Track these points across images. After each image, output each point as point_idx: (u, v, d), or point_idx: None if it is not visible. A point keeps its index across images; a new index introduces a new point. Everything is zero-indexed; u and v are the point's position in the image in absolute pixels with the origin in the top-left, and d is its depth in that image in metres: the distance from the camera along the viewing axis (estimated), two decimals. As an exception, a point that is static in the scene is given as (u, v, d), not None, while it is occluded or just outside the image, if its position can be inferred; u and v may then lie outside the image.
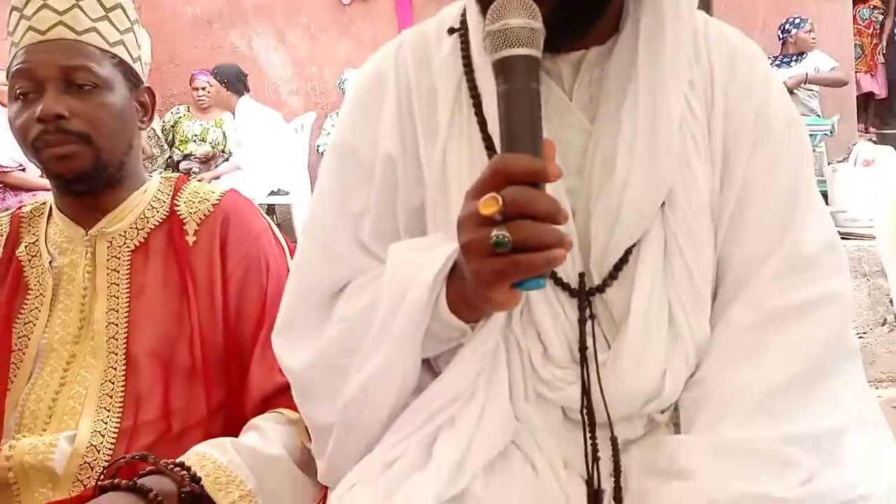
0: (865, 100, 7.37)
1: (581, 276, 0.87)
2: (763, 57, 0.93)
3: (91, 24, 1.20)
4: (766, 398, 0.82)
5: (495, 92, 0.72)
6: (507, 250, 0.67)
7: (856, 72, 7.02)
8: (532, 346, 0.88)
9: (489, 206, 0.67)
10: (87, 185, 1.21)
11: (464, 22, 0.90)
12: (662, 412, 0.89)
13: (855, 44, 6.85)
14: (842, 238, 3.08)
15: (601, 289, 0.87)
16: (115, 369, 1.17)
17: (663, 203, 0.85)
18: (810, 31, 5.77)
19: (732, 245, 0.88)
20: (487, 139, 0.87)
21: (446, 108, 0.89)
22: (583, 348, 0.86)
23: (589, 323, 0.86)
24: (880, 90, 7.29)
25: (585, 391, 0.86)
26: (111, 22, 1.22)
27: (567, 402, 0.88)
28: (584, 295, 0.87)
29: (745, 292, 0.86)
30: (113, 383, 1.16)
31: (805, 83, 5.54)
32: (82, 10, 1.19)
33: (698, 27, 0.90)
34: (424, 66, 0.92)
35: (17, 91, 1.17)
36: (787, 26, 5.83)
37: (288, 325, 0.97)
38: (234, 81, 5.51)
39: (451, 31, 0.91)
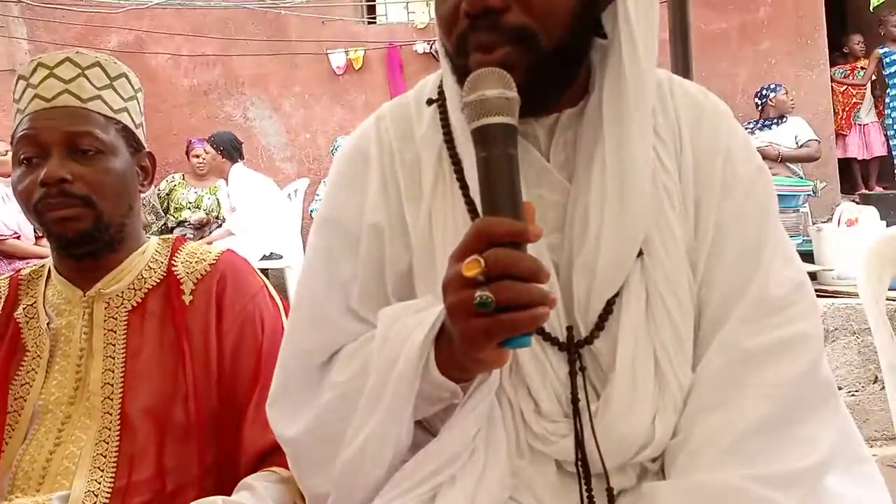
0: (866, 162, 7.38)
1: (569, 329, 0.89)
2: (726, 109, 0.98)
3: (96, 92, 1.23)
4: (739, 440, 0.83)
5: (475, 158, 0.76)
6: (490, 310, 0.69)
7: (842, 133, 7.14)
8: (523, 402, 0.89)
9: (471, 268, 0.69)
10: (88, 246, 1.23)
11: (441, 92, 0.95)
12: (654, 461, 0.91)
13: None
14: (829, 296, 3.09)
15: (589, 340, 0.89)
16: (110, 429, 1.18)
17: (641, 253, 0.88)
18: (787, 94, 5.93)
19: (707, 290, 0.91)
20: (470, 203, 0.90)
21: (429, 174, 0.92)
22: (575, 400, 0.87)
23: (579, 375, 0.88)
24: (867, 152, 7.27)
25: (579, 443, 0.87)
26: (115, 90, 1.26)
27: (561, 455, 0.89)
28: (573, 348, 0.89)
29: (718, 336, 0.89)
30: (107, 443, 1.17)
31: (778, 160, 5.61)
32: (88, 79, 1.23)
33: (662, 83, 0.95)
34: (407, 138, 0.96)
35: (22, 156, 1.20)
36: (764, 91, 5.99)
37: (281, 395, 0.98)
38: (229, 149, 5.62)
39: (430, 102, 0.95)
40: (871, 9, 5.29)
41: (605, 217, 0.87)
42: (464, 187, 0.91)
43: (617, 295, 0.88)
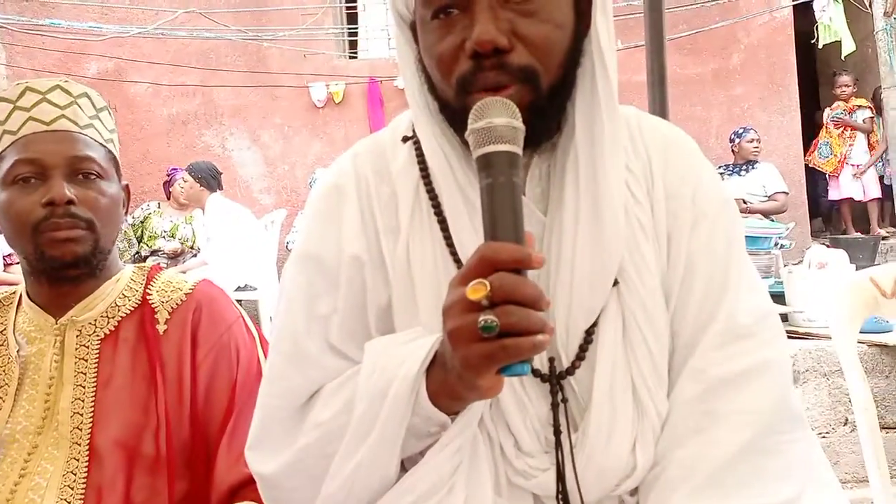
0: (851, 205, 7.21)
1: (551, 360, 0.90)
2: (693, 144, 1.01)
3: (89, 120, 1.26)
4: (715, 473, 0.84)
5: (455, 190, 0.79)
6: (494, 335, 0.69)
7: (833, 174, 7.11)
8: (503, 437, 0.89)
9: (477, 291, 0.70)
10: (80, 270, 1.23)
11: (415, 130, 0.96)
12: (632, 493, 0.91)
13: (823, 143, 7.00)
14: (800, 338, 3.12)
15: (570, 371, 0.90)
16: (78, 460, 1.15)
17: (617, 282, 0.90)
18: (752, 141, 5.94)
19: (679, 320, 0.92)
20: (448, 238, 0.91)
21: (406, 209, 0.93)
22: (557, 432, 0.88)
23: (561, 407, 0.88)
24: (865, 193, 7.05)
25: (560, 476, 0.87)
26: (101, 121, 1.29)
27: (542, 490, 0.89)
28: (555, 379, 0.89)
29: (689, 364, 0.91)
30: (75, 474, 1.15)
31: (745, 213, 5.66)
32: (80, 107, 1.25)
33: (630, 120, 0.98)
34: (383, 175, 0.97)
35: (19, 176, 1.20)
36: (732, 136, 6.05)
37: (261, 438, 0.96)
38: (208, 178, 5.59)
39: (405, 139, 0.97)
40: (842, 57, 5.44)
41: (579, 247, 0.88)
42: (441, 222, 0.92)
43: (595, 324, 0.90)
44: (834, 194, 7.12)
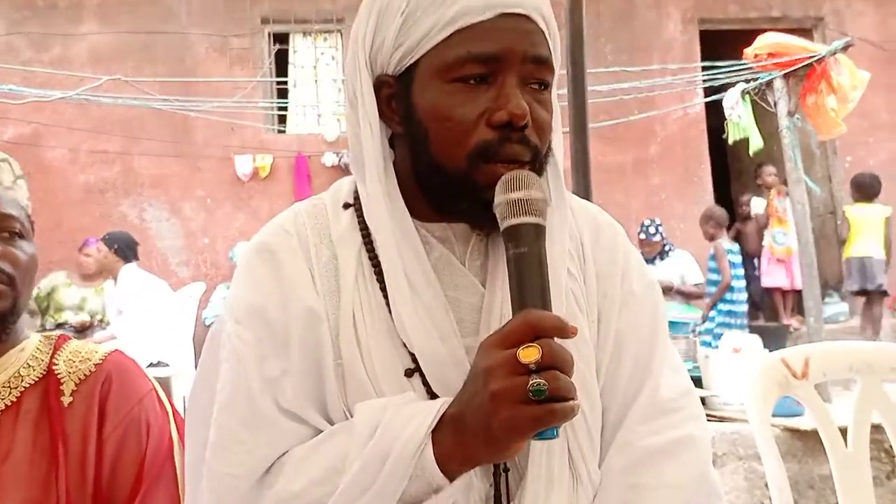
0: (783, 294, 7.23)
1: None
2: (620, 227, 1.05)
3: (12, 182, 1.26)
4: None
5: (396, 262, 0.81)
6: (543, 399, 0.71)
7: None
8: None
9: (531, 353, 0.72)
10: None
11: (357, 198, 0.96)
12: None
13: (777, 232, 7.05)
14: (717, 421, 3.16)
15: None
16: (-30, 540, 1.06)
17: None
18: (655, 234, 6.05)
19: (609, 395, 0.95)
20: (389, 304, 0.90)
21: (349, 274, 0.92)
22: (497, 501, 0.86)
23: (502, 476, 0.87)
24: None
25: None
26: (20, 187, 1.29)
27: None
28: None
29: (617, 437, 0.93)
30: (-34, 555, 1.05)
31: (672, 292, 5.81)
32: (1, 170, 1.26)
33: None
34: (323, 237, 0.95)
35: None
36: (640, 234, 6.10)
37: None
38: (124, 247, 5.43)
39: (347, 206, 0.96)
40: (749, 154, 5.76)
41: None
42: (383, 289, 0.90)
43: None
44: (766, 281, 7.20)
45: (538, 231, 0.79)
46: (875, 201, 6.52)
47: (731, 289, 6.00)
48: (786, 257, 6.98)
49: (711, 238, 6.10)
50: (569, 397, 0.73)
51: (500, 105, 0.84)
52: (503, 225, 0.80)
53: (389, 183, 0.90)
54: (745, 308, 6.09)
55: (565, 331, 0.75)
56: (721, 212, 6.14)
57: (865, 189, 6.52)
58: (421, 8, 0.85)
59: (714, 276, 6.10)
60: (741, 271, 6.13)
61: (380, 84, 0.90)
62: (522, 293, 0.77)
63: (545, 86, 0.89)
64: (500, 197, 0.80)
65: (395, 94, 0.90)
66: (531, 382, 0.71)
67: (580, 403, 0.74)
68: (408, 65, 0.88)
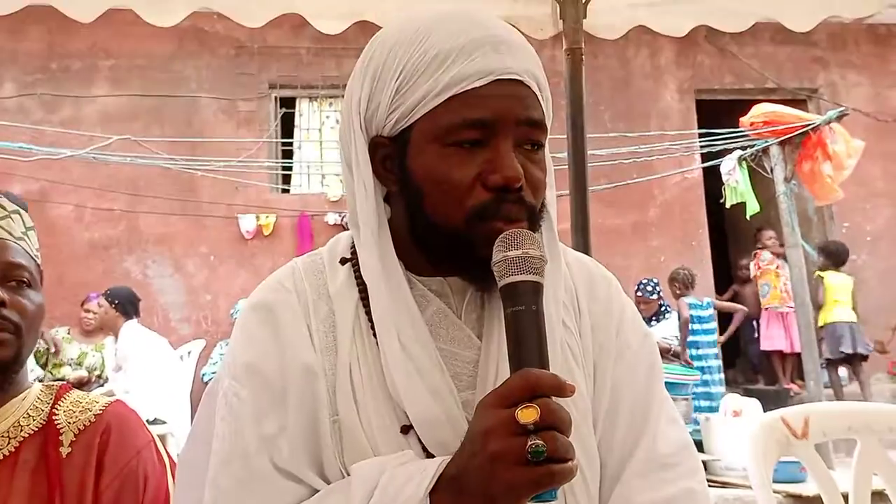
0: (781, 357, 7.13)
1: None
2: (615, 279, 1.05)
3: (22, 233, 1.29)
4: None
5: (389, 321, 0.82)
6: (541, 460, 0.71)
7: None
8: None
9: (529, 415, 0.71)
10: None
11: (354, 252, 0.96)
12: None
13: (763, 284, 7.11)
14: (719, 487, 3.13)
15: None
16: None
17: None
18: (652, 293, 6.07)
19: (606, 449, 0.94)
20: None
21: (346, 330, 0.92)
22: None
23: None
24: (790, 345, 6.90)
25: None
26: (30, 238, 1.32)
27: None
28: None
29: (615, 492, 0.92)
30: None
31: (669, 354, 5.80)
32: (13, 220, 1.29)
33: None
34: (321, 293, 0.96)
35: None
36: (637, 292, 6.13)
37: None
38: (125, 303, 5.41)
39: (344, 261, 0.97)
40: (747, 218, 5.82)
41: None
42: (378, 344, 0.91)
43: None
44: (765, 344, 7.17)
45: (536, 289, 0.79)
46: (841, 270, 6.58)
47: (694, 344, 5.97)
48: (779, 304, 6.98)
49: (678, 297, 6.13)
50: (567, 458, 0.72)
51: (496, 168, 0.85)
52: (501, 282, 0.80)
53: (384, 241, 0.91)
54: (717, 363, 6.04)
55: (563, 390, 0.74)
56: (685, 273, 6.18)
57: (836, 256, 6.59)
58: (416, 74, 0.87)
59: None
60: (710, 325, 6.11)
61: (375, 146, 0.92)
62: (520, 351, 0.77)
63: (538, 146, 0.90)
64: (498, 255, 0.81)
65: (390, 155, 0.91)
66: (530, 444, 0.71)
67: (578, 463, 0.73)
68: (403, 127, 0.89)
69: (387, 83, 0.89)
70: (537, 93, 0.90)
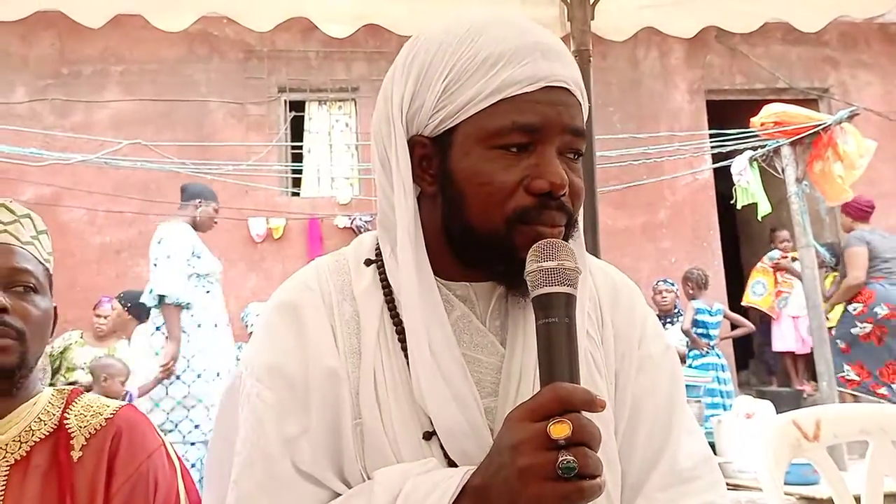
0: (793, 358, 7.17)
1: None
2: (637, 290, 1.05)
3: (30, 238, 1.29)
4: None
5: (419, 323, 0.81)
6: (571, 476, 0.70)
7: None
8: None
9: (562, 430, 0.71)
10: (1, 384, 1.20)
11: (378, 253, 0.96)
12: None
13: (757, 282, 7.08)
14: (731, 489, 3.09)
15: None
16: None
17: None
18: (661, 293, 6.05)
19: (627, 460, 0.94)
20: (409, 366, 0.89)
21: (371, 333, 0.91)
22: None
23: None
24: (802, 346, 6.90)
25: None
26: (41, 242, 1.32)
27: None
28: None
29: None
30: None
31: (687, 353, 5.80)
32: (22, 225, 1.29)
33: None
34: (346, 294, 0.95)
35: None
36: (654, 291, 6.11)
37: None
38: (138, 307, 5.43)
39: (368, 262, 0.96)
40: (758, 218, 5.78)
41: (536, 380, 0.87)
42: (405, 349, 0.90)
43: None
44: (778, 345, 7.16)
45: (569, 301, 0.78)
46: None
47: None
48: (766, 309, 6.99)
49: (691, 298, 6.09)
50: (597, 474, 0.71)
51: (541, 174, 0.85)
52: (534, 293, 0.79)
53: (418, 245, 0.90)
54: (722, 361, 5.98)
55: (594, 405, 0.73)
56: (699, 273, 6.13)
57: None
58: (465, 75, 0.86)
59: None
60: (714, 331, 6.05)
61: (412, 145, 0.90)
62: (551, 364, 0.76)
63: (579, 155, 0.90)
64: (532, 265, 0.80)
65: (428, 154, 0.90)
66: (561, 459, 0.70)
67: (605, 482, 0.72)
68: (446, 128, 0.88)
69: (433, 83, 0.88)
70: (581, 102, 0.90)
